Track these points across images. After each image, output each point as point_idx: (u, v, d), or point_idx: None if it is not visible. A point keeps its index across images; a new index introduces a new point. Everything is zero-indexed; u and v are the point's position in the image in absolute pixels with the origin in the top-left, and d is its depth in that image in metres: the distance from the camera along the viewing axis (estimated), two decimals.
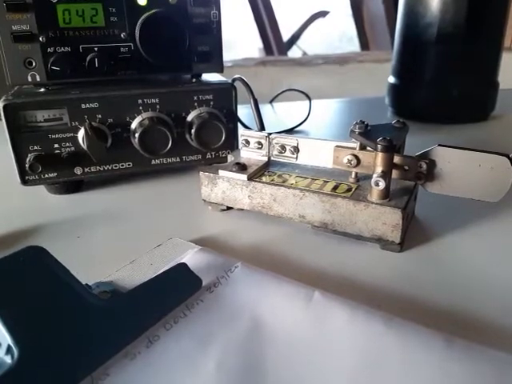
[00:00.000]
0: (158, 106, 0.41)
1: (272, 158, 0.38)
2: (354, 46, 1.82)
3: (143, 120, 0.40)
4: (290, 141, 0.37)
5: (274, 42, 1.72)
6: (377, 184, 0.30)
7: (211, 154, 0.44)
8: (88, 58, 0.38)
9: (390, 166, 0.30)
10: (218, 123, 0.41)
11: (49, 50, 0.37)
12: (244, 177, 0.35)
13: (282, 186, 0.34)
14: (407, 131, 0.35)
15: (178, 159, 0.44)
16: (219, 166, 0.37)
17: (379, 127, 0.33)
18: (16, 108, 0.37)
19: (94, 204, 0.40)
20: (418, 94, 0.66)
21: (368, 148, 0.33)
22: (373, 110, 0.75)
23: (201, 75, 0.43)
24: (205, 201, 0.38)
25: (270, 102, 0.76)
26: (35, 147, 0.39)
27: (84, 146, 0.39)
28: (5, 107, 0.37)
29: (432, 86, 0.64)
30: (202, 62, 0.42)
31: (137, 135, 0.40)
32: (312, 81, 1.16)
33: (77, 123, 0.39)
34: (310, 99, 0.67)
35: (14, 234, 0.35)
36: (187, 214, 0.38)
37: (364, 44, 1.82)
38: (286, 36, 1.78)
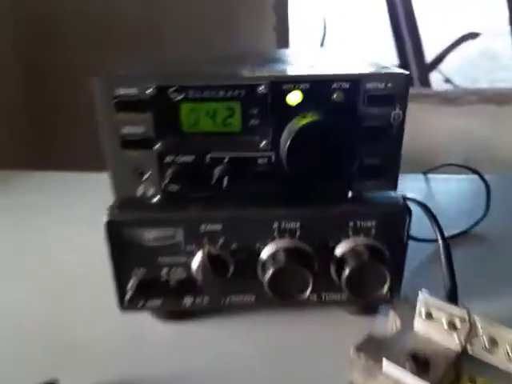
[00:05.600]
0: (297, 233, 0.30)
1: (469, 353, 0.25)
2: None
3: (278, 252, 0.29)
4: (507, 334, 0.23)
5: (413, 63, 1.52)
6: None
7: None
8: (216, 173, 0.28)
9: None
10: (380, 265, 0.29)
11: (167, 159, 0.28)
12: None
13: None
14: None
15: (316, 297, 0.32)
16: (382, 345, 0.25)
17: None
18: (121, 225, 0.29)
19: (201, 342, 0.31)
20: None
21: None
22: None
23: (361, 193, 0.31)
24: None
25: (424, 173, 0.60)
26: (140, 269, 0.31)
27: (198, 277, 0.30)
28: (108, 223, 0.29)
29: None
30: (367, 177, 0.29)
31: (268, 272, 0.29)
32: (464, 125, 0.96)
33: (193, 247, 0.30)
34: (486, 184, 0.47)
35: None
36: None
37: None
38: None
